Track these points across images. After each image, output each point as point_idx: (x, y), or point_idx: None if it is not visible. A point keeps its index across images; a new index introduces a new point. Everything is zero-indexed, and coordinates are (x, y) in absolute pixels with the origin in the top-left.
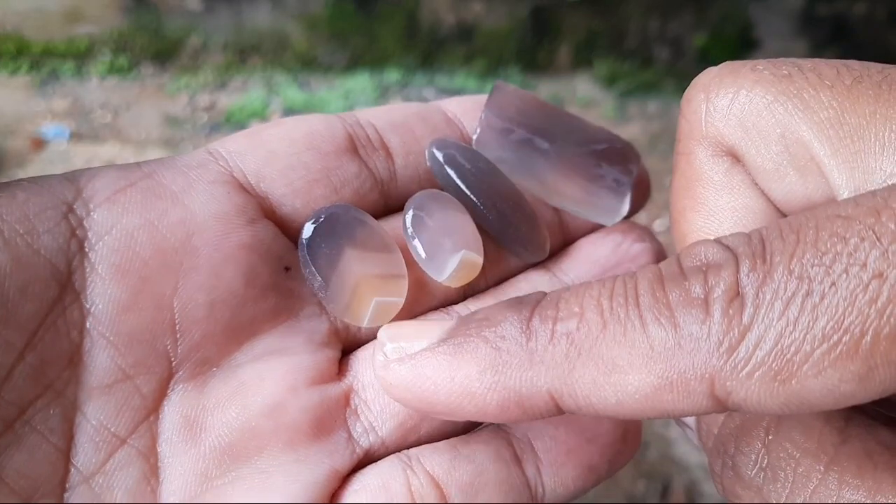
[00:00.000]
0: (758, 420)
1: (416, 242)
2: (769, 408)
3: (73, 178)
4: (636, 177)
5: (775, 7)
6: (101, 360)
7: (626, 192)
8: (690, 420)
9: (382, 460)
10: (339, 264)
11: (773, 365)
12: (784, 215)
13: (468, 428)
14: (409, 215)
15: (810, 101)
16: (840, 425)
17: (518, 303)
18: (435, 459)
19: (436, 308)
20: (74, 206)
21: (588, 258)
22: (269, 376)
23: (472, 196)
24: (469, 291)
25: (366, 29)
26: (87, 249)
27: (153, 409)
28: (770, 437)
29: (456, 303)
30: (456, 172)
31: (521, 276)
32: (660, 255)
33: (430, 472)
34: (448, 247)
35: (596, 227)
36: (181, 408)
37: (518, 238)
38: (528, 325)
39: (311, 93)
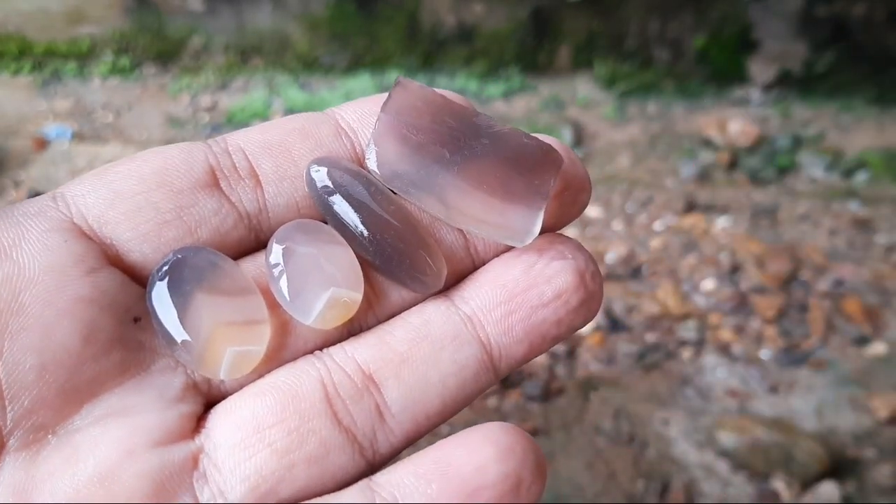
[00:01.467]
0: None
1: (279, 282)
2: None
3: None
4: (557, 186)
5: (775, 8)
6: None
7: (540, 207)
8: None
9: None
10: (188, 313)
11: None
12: None
13: (353, 478)
14: (271, 251)
15: None
16: None
17: None
18: None
19: (310, 350)
20: None
21: (494, 282)
22: (105, 440)
23: (349, 223)
24: (354, 329)
25: (367, 30)
26: None
27: None
28: None
29: (338, 341)
30: (332, 197)
31: (414, 310)
32: (584, 273)
33: None
34: (314, 285)
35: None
36: (12, 480)
37: (403, 270)
38: None
39: (312, 93)
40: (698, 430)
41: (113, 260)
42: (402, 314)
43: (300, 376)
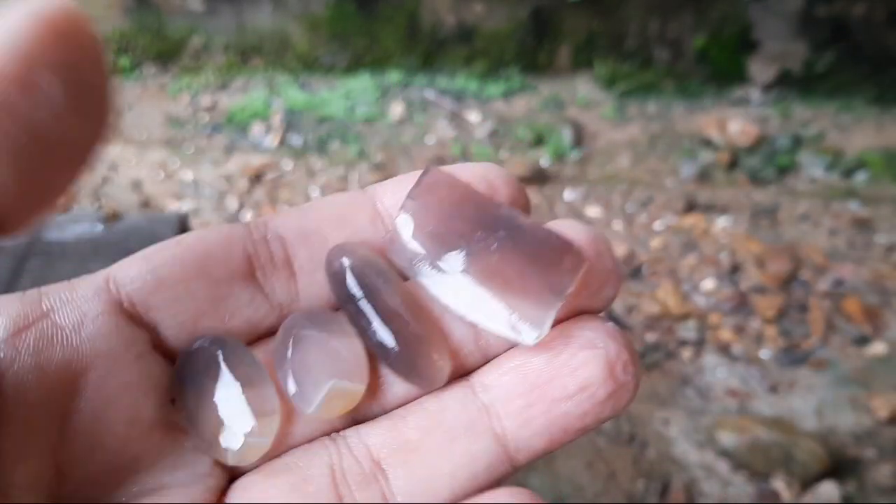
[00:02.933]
0: None
1: (284, 373)
2: None
3: None
4: (580, 282)
5: (774, 8)
6: None
7: (553, 307)
8: None
9: None
10: (204, 401)
11: None
12: None
13: None
14: (279, 340)
15: None
16: None
17: None
18: None
19: (317, 436)
20: None
21: (517, 371)
22: None
23: (360, 314)
24: (358, 417)
25: (367, 30)
26: None
27: None
28: None
29: (343, 428)
30: (347, 285)
31: (433, 394)
32: (614, 364)
33: None
34: (316, 376)
35: None
36: None
37: (408, 365)
38: None
39: (312, 93)
40: (698, 429)
41: (156, 343)
42: (421, 398)
43: (311, 459)
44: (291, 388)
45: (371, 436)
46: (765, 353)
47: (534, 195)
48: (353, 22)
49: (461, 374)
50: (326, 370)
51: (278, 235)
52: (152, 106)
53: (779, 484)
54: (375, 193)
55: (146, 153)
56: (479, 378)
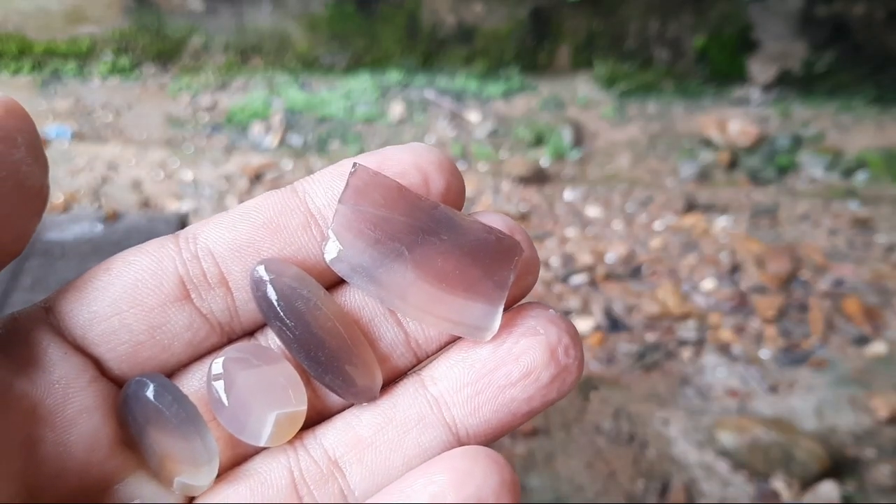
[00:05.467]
0: None
1: (224, 418)
2: None
3: None
4: (516, 274)
5: (774, 8)
6: None
7: (500, 302)
8: None
9: None
10: (144, 441)
11: None
12: None
13: None
14: (211, 386)
15: None
16: None
17: None
18: None
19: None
20: None
21: (463, 362)
22: None
23: (286, 332)
24: (317, 418)
25: (366, 30)
26: None
27: None
28: None
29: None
30: (272, 303)
31: (384, 392)
32: (555, 348)
33: None
34: (258, 411)
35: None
36: None
37: (336, 383)
38: None
39: (312, 93)
40: (698, 429)
41: (103, 373)
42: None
43: (270, 464)
44: (236, 429)
45: (326, 436)
46: (765, 353)
47: (534, 195)
48: (353, 22)
49: (394, 378)
50: (266, 403)
51: (209, 251)
52: (152, 106)
53: (779, 484)
54: (306, 192)
55: (146, 153)
56: (428, 372)
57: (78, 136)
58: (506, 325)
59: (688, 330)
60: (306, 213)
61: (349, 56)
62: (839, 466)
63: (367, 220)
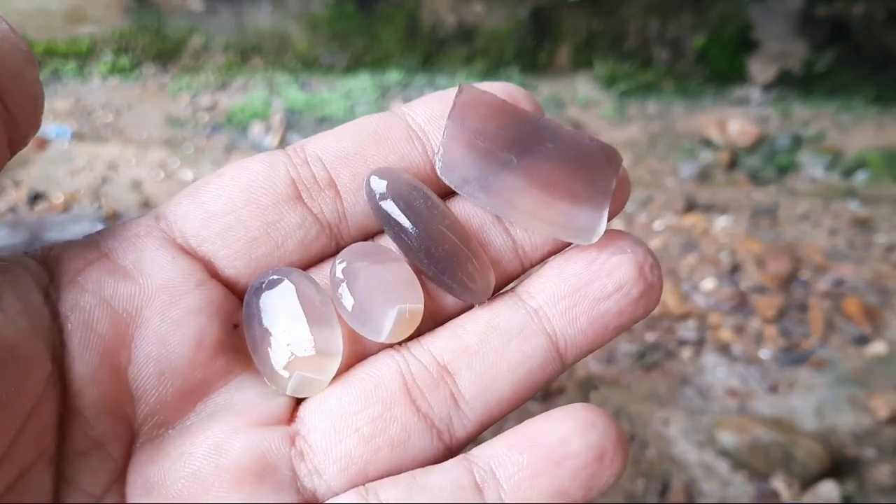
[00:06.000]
0: None
1: (346, 312)
2: None
3: (43, 260)
4: (617, 184)
5: (774, 8)
6: (76, 430)
7: (604, 207)
8: None
9: (341, 494)
10: (270, 332)
11: None
12: None
13: (433, 461)
14: (334, 279)
15: None
16: None
17: None
18: (391, 491)
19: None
20: (49, 289)
21: (558, 277)
22: (215, 425)
23: (404, 236)
24: (423, 328)
25: (367, 30)
26: (62, 329)
27: (121, 471)
28: None
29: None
30: (389, 210)
31: (484, 306)
32: (643, 266)
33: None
34: (380, 305)
35: (562, 244)
36: (142, 467)
37: (455, 281)
38: None
39: (312, 93)
40: (698, 429)
41: (213, 274)
42: (473, 309)
43: (381, 368)
44: (358, 322)
45: (434, 344)
46: (765, 353)
47: None
48: (353, 22)
49: (504, 282)
50: (389, 298)
51: (318, 157)
52: (152, 106)
53: (779, 484)
54: (406, 112)
55: (146, 153)
56: (523, 288)
57: (78, 136)
58: (596, 245)
59: (688, 330)
60: (407, 127)
61: (349, 56)
62: (839, 466)
63: (475, 133)
